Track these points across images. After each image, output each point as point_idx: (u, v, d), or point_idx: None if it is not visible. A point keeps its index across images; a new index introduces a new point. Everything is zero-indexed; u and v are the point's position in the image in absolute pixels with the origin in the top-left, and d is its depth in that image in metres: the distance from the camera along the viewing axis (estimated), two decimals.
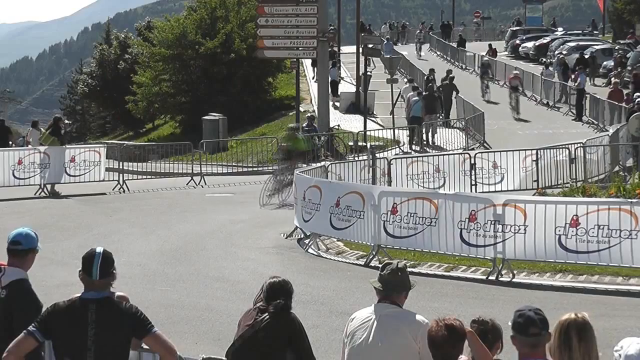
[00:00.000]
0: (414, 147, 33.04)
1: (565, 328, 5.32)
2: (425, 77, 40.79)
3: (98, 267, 5.86)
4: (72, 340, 5.77)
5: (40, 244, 6.77)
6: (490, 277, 14.74)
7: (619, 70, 43.78)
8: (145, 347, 6.27)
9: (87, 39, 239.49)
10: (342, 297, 13.64)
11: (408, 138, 33.94)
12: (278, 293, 7.07)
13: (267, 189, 23.22)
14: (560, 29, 71.82)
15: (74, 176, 26.02)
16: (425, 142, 33.44)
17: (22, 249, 6.60)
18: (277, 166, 25.11)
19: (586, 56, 48.54)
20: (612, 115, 32.15)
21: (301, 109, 38.31)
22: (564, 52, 49.76)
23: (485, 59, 48.39)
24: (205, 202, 24.42)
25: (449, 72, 41.90)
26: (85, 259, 5.93)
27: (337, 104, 42.71)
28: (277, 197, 23.00)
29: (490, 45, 57.65)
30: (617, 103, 32.39)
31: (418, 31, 71.21)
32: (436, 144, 33.75)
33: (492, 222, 14.77)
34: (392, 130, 33.94)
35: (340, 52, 54.22)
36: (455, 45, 60.93)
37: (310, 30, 33.84)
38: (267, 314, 7.02)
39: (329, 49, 45.93)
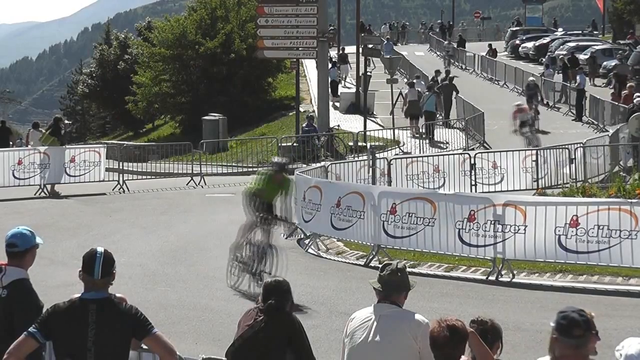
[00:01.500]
0: (418, 142, 32.92)
1: None
2: (431, 78, 40.79)
3: (100, 266, 5.87)
4: (72, 340, 5.77)
5: (39, 239, 6.74)
6: (490, 277, 14.75)
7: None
8: (145, 347, 6.27)
9: (87, 39, 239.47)
10: (342, 297, 13.64)
11: (420, 132, 34.22)
12: (271, 293, 7.09)
13: (235, 260, 14.56)
14: (560, 29, 71.83)
15: (74, 176, 26.03)
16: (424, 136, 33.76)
17: (19, 251, 6.58)
18: (254, 222, 14.67)
19: (585, 56, 48.59)
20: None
21: (301, 109, 38.31)
22: (564, 52, 49.74)
23: (532, 79, 38.03)
24: (205, 202, 24.42)
25: (448, 72, 41.98)
26: (86, 258, 5.93)
27: (337, 104, 42.73)
28: (251, 272, 14.40)
29: (490, 45, 57.54)
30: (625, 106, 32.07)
31: (446, 42, 60.84)
32: (435, 139, 33.90)
33: (492, 222, 14.79)
34: (392, 130, 33.95)
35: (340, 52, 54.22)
36: (455, 45, 60.95)
37: (310, 30, 33.84)
38: (268, 315, 7.04)
39: (342, 53, 45.94)
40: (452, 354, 5.78)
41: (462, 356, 5.88)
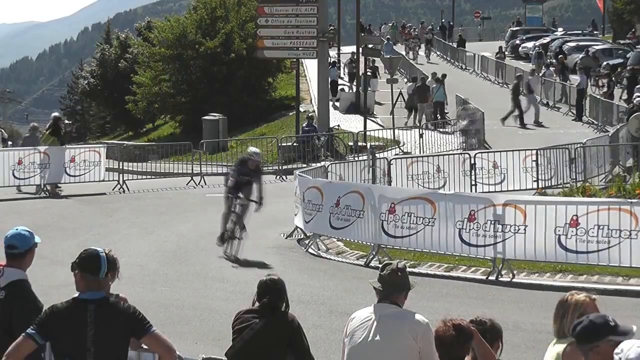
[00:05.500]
0: (419, 142, 33.04)
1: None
2: (441, 75, 40.91)
3: (106, 266, 5.89)
4: (71, 341, 5.76)
5: (37, 237, 6.73)
6: (490, 277, 14.76)
7: (618, 70, 43.86)
8: (145, 347, 6.27)
9: (87, 39, 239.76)
10: (342, 297, 13.64)
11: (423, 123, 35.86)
12: (265, 292, 7.09)
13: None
14: (560, 29, 71.77)
15: (74, 176, 26.03)
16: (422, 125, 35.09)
17: (19, 252, 6.57)
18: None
19: (581, 55, 48.69)
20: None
21: (301, 109, 38.31)
22: (565, 52, 49.76)
23: None
24: (205, 202, 24.40)
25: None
26: (87, 258, 5.91)
27: (337, 104, 42.74)
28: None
29: (500, 47, 56.52)
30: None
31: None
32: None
33: (492, 222, 14.79)
34: (392, 130, 33.96)
35: (341, 52, 54.26)
36: (455, 45, 60.90)
37: (310, 30, 33.83)
38: (263, 314, 7.03)
39: (373, 65, 45.82)
40: (459, 353, 5.77)
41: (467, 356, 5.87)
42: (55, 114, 29.12)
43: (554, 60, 48.89)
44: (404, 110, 39.50)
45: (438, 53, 62.45)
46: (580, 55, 46.93)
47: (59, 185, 25.96)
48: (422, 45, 62.34)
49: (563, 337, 5.95)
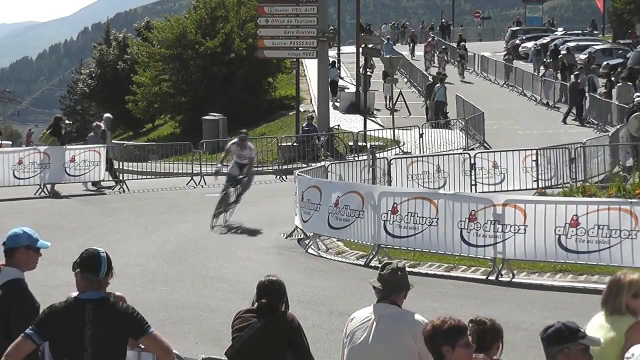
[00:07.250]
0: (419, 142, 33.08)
1: None
2: (436, 79, 41.04)
3: (106, 266, 5.89)
4: (69, 340, 5.76)
5: (42, 241, 6.73)
6: (490, 277, 14.75)
7: (618, 69, 43.84)
8: (144, 347, 6.26)
9: (87, 39, 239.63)
10: (342, 297, 13.64)
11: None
12: (264, 293, 7.09)
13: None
14: (560, 29, 71.76)
15: (74, 176, 26.03)
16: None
17: (6, 249, 6.57)
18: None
19: (584, 56, 48.68)
20: None
21: (301, 109, 38.31)
22: (564, 52, 49.76)
23: None
24: (205, 202, 24.38)
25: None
26: (88, 258, 5.91)
27: (337, 104, 42.74)
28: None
29: (508, 50, 55.99)
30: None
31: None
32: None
33: (492, 222, 14.78)
34: (392, 130, 33.95)
35: (341, 52, 54.23)
36: (455, 45, 60.82)
37: (310, 30, 33.83)
38: (262, 315, 7.03)
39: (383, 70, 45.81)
40: (437, 350, 5.69)
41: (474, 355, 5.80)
42: (102, 117, 29.70)
43: (550, 60, 48.93)
44: (404, 110, 39.60)
45: (472, 69, 52.81)
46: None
47: (111, 180, 26.62)
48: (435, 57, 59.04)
49: (618, 314, 6.18)
